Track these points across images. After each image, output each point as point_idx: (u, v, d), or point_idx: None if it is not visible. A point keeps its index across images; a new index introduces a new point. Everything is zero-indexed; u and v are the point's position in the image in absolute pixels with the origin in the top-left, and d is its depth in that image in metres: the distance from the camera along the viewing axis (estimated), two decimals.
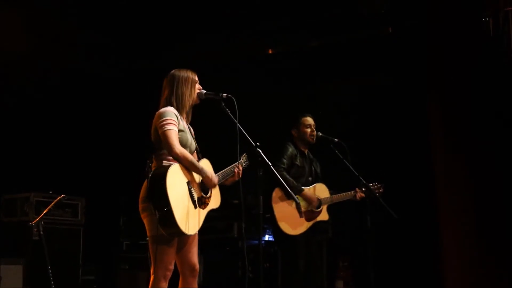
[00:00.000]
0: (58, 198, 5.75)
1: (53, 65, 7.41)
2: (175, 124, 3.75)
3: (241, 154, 4.08)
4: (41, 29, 6.85)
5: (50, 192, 6.59)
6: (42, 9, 6.64)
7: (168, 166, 3.62)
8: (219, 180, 3.93)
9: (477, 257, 5.55)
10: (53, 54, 7.20)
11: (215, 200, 3.95)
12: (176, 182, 3.63)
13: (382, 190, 5.38)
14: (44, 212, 5.72)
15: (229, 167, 4.01)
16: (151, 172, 3.65)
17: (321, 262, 5.37)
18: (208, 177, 3.82)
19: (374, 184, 5.38)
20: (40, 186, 6.79)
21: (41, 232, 5.67)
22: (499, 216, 5.46)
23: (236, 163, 4.02)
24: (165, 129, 3.71)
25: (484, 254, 5.51)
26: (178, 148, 3.69)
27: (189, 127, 4.02)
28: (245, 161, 4.21)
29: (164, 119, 3.73)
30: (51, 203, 5.77)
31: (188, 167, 3.75)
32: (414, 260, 6.59)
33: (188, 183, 3.73)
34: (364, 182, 5.19)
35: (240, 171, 4.05)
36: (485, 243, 5.52)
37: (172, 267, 3.75)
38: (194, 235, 3.87)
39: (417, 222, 6.47)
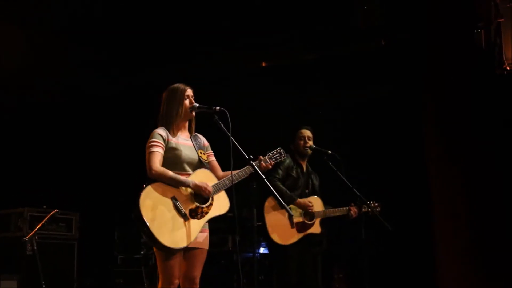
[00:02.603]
0: (52, 213, 5.76)
1: (47, 81, 7.41)
2: (159, 146, 3.84)
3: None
4: (37, 45, 6.86)
5: (44, 207, 6.57)
6: (39, 26, 6.67)
7: (142, 190, 3.70)
8: (218, 189, 3.89)
9: (473, 268, 5.55)
10: (49, 70, 7.20)
11: (219, 206, 3.92)
12: (154, 201, 3.70)
13: (379, 209, 5.37)
14: (38, 227, 5.72)
15: (225, 177, 3.97)
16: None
17: (316, 274, 5.36)
18: (196, 185, 3.79)
19: (372, 202, 5.38)
20: (34, 201, 6.76)
21: (35, 247, 5.66)
22: (496, 222, 5.48)
23: (254, 162, 3.89)
24: (148, 151, 3.84)
25: (480, 264, 5.52)
26: (155, 169, 3.77)
27: (193, 138, 4.04)
28: (275, 155, 4.10)
29: (149, 141, 3.87)
30: (45, 218, 5.76)
31: (171, 183, 3.78)
32: (410, 271, 6.58)
33: (173, 198, 3.76)
34: (358, 194, 5.18)
35: (268, 164, 4.01)
36: (481, 254, 5.53)
37: (176, 280, 3.79)
38: (201, 249, 3.90)
39: (413, 233, 6.48)
